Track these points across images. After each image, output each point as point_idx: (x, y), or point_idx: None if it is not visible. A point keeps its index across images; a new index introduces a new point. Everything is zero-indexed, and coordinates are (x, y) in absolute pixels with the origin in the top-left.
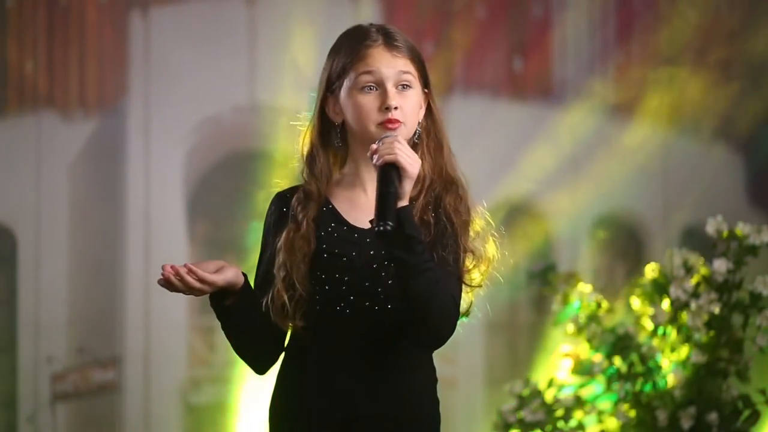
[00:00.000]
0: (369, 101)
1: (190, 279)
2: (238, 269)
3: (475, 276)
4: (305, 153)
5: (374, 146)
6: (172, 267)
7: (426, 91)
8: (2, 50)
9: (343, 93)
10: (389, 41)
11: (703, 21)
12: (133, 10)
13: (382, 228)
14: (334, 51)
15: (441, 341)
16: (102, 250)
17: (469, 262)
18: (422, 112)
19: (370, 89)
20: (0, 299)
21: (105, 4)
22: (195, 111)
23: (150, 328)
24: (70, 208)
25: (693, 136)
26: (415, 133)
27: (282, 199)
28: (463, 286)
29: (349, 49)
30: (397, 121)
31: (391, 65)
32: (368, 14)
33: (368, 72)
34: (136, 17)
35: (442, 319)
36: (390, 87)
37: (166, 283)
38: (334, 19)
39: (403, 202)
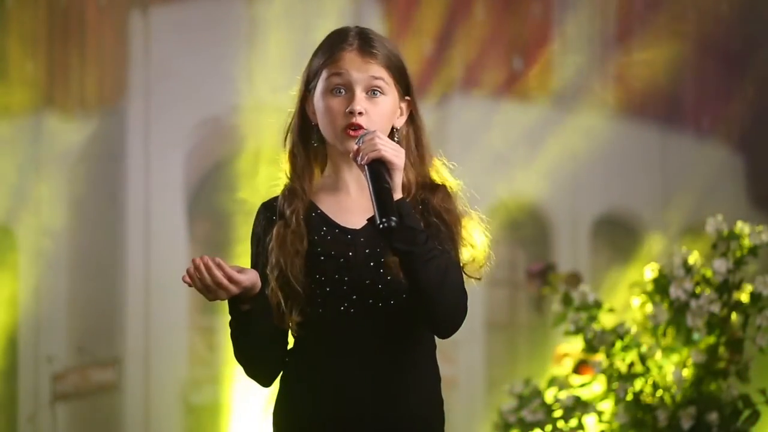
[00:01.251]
0: (336, 104)
1: (218, 274)
2: (257, 273)
3: (472, 270)
4: (288, 150)
5: (355, 146)
6: (202, 257)
7: (408, 98)
8: (2, 50)
9: (316, 94)
10: (364, 46)
11: (703, 20)
12: (133, 10)
13: (387, 224)
14: (316, 51)
15: (456, 326)
16: (102, 250)
17: (465, 257)
18: (401, 119)
19: (339, 92)
20: (0, 299)
21: (105, 4)
22: (195, 111)
23: (150, 328)
24: (70, 208)
25: (693, 136)
26: (393, 141)
27: (268, 208)
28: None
29: (326, 51)
30: (360, 126)
31: (362, 70)
32: (368, 14)
33: (337, 74)
34: (136, 17)
35: (455, 304)
36: (358, 92)
37: (196, 271)
38: (334, 19)
39: (398, 195)
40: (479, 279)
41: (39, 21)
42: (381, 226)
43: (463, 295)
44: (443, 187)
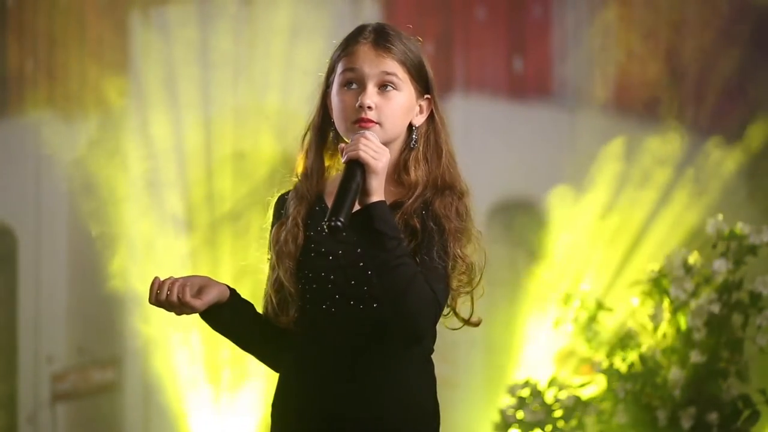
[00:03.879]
0: (348, 98)
1: (175, 294)
2: (222, 287)
3: (462, 283)
4: (304, 149)
5: (342, 145)
6: (170, 279)
7: (428, 97)
8: (2, 50)
9: (333, 88)
10: (378, 40)
11: (703, 19)
12: (133, 10)
13: (332, 224)
14: (337, 46)
15: (417, 337)
16: (102, 250)
17: (457, 269)
18: (420, 118)
19: (351, 87)
20: (0, 299)
21: (105, 4)
22: (195, 111)
23: (150, 328)
24: (70, 208)
25: (693, 135)
26: (412, 138)
27: (280, 201)
28: (453, 294)
29: (343, 44)
30: (370, 120)
31: (374, 65)
32: (368, 14)
33: (350, 69)
34: (136, 17)
35: (417, 314)
36: (370, 86)
37: (157, 288)
38: (334, 19)
39: (374, 198)
40: (468, 293)
41: (39, 21)
42: (326, 224)
43: (431, 307)
44: (451, 192)
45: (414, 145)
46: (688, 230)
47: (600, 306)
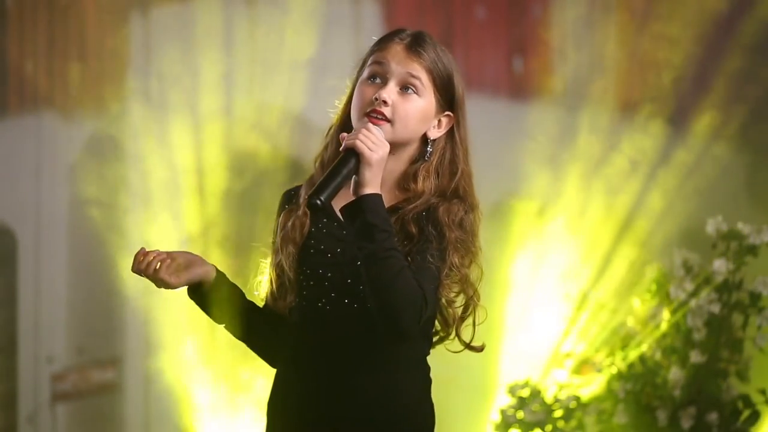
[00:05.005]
0: (369, 90)
1: (152, 267)
2: (208, 268)
3: (454, 294)
4: (325, 142)
5: (343, 134)
6: (151, 252)
7: (450, 114)
8: (2, 50)
9: (359, 81)
10: (413, 45)
11: (704, 19)
12: (133, 10)
13: (311, 201)
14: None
15: (402, 332)
16: (102, 250)
17: (451, 278)
18: (437, 131)
19: (375, 81)
20: (0, 299)
21: (105, 4)
22: (195, 111)
23: (150, 328)
24: (70, 209)
25: (693, 135)
26: (426, 151)
27: (286, 196)
28: (450, 312)
29: (378, 42)
30: (382, 115)
31: (402, 64)
32: (368, 14)
33: (378, 63)
34: (136, 17)
35: (402, 309)
36: (392, 84)
37: (142, 258)
38: (334, 19)
39: (368, 190)
40: (467, 310)
41: (39, 21)
42: (306, 200)
43: (417, 302)
44: (460, 202)
45: (428, 157)
46: (688, 230)
47: (603, 306)
